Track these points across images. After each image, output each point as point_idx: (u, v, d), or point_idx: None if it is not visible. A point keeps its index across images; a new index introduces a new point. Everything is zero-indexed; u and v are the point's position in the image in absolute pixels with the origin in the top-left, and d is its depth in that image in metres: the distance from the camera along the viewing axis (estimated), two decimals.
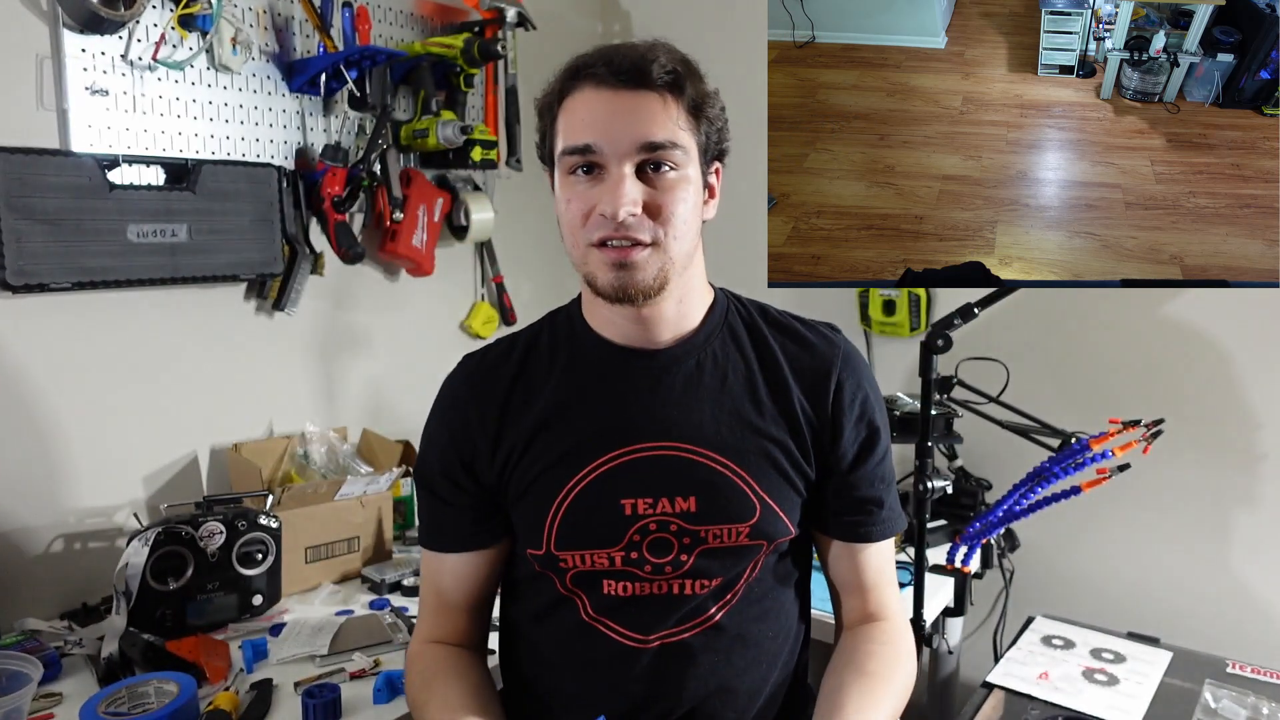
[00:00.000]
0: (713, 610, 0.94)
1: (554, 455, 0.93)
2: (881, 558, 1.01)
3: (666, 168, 0.86)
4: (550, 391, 0.95)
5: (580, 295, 0.99)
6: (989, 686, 1.32)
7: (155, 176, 1.50)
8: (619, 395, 0.94)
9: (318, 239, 1.73)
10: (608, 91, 0.85)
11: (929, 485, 1.59)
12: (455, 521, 0.98)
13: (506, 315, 2.13)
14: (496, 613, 1.07)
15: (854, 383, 0.97)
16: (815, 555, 1.05)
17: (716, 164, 0.93)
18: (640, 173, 0.85)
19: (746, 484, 0.92)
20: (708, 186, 0.92)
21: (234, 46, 1.54)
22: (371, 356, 1.90)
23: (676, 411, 0.93)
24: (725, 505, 0.91)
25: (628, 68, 0.84)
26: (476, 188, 2.01)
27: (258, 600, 1.40)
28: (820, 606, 1.05)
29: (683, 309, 0.94)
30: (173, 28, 1.46)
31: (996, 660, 1.41)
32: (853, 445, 0.97)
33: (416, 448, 1.75)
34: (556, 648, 0.97)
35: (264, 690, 1.17)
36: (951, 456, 1.74)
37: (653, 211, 0.85)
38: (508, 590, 1.04)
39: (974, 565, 1.56)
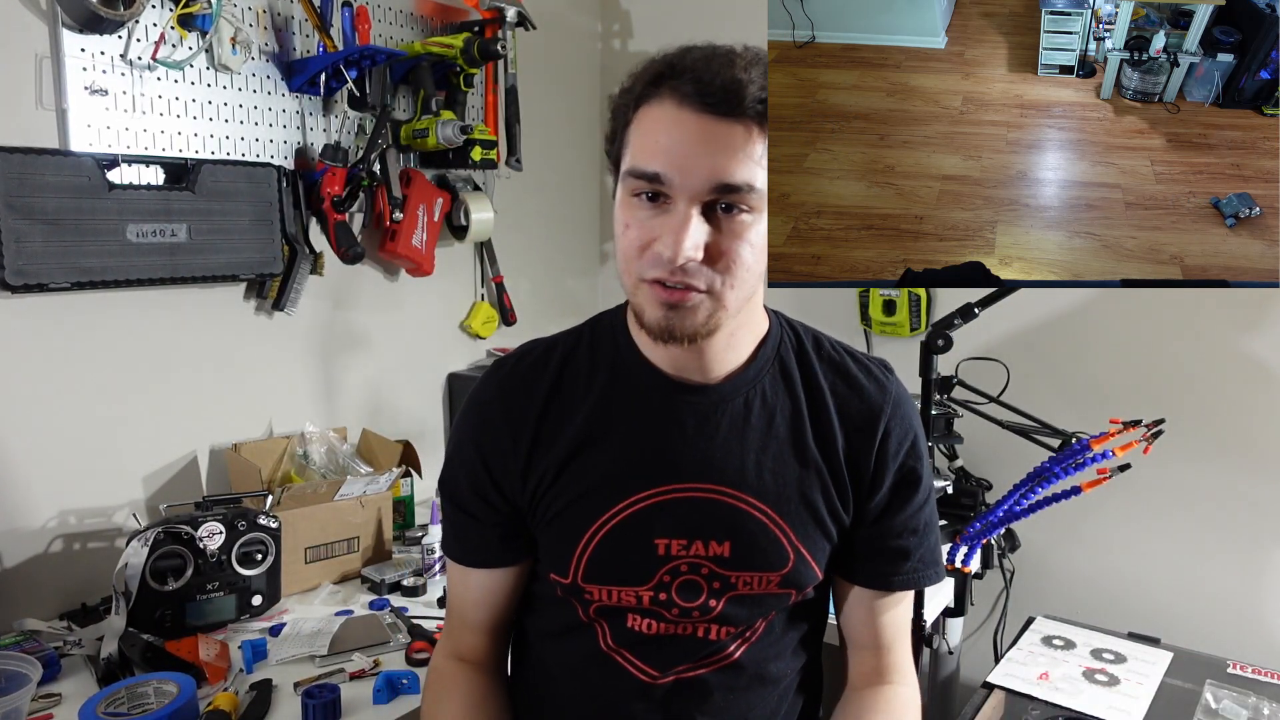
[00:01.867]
0: (732, 649, 0.91)
1: (588, 484, 0.89)
2: (899, 614, 0.95)
3: (739, 210, 0.77)
4: (586, 414, 0.90)
5: (626, 305, 0.91)
6: (989, 687, 1.32)
7: (155, 176, 1.50)
8: (661, 430, 0.88)
9: (317, 239, 1.73)
10: (690, 115, 0.75)
11: None
12: (481, 538, 0.94)
13: (506, 315, 2.13)
14: None
15: (901, 430, 0.92)
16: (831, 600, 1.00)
17: None
18: (709, 210, 0.77)
19: (783, 532, 0.88)
20: None
21: (234, 46, 1.54)
22: (371, 356, 1.90)
23: (720, 453, 0.88)
24: (760, 553, 0.88)
25: (718, 89, 0.74)
26: (476, 187, 2.01)
27: (257, 600, 1.40)
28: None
29: (733, 342, 0.88)
30: (172, 27, 1.46)
31: (997, 660, 1.41)
32: (890, 494, 0.92)
33: (416, 448, 1.76)
34: (568, 671, 0.95)
35: (263, 691, 1.17)
36: (951, 456, 1.74)
37: (714, 257, 0.77)
38: (524, 601, 1.01)
39: (974, 565, 1.56)
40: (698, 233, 0.76)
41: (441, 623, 1.08)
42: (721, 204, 0.77)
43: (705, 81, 0.75)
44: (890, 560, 0.93)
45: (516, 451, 0.91)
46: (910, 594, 0.96)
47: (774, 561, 0.88)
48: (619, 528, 0.88)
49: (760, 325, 0.92)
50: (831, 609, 0.99)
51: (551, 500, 0.90)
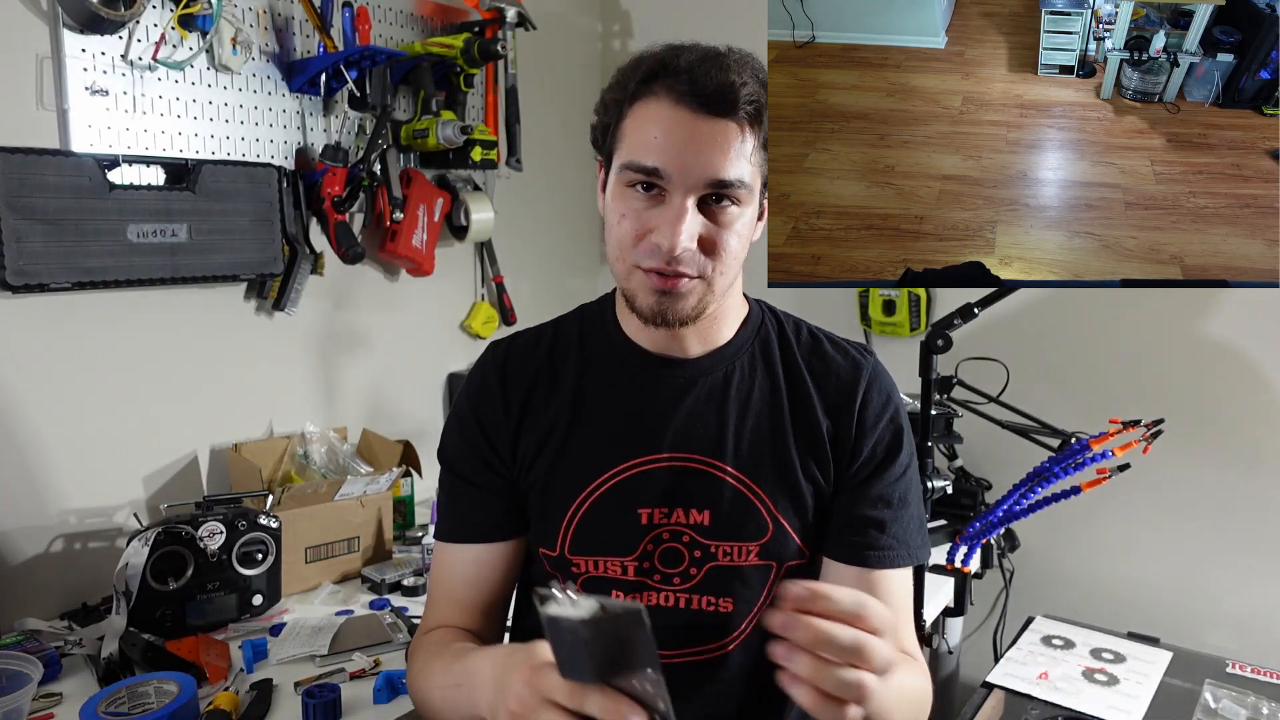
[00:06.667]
0: (724, 640, 0.92)
1: (573, 455, 0.92)
2: (891, 594, 0.90)
3: (729, 203, 0.82)
4: (573, 387, 0.94)
5: (615, 293, 0.96)
6: (989, 686, 1.32)
7: (155, 176, 1.50)
8: (643, 402, 0.92)
9: (318, 239, 1.73)
10: (686, 114, 0.80)
11: (929, 485, 1.59)
12: (479, 507, 0.95)
13: (506, 315, 2.13)
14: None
15: (880, 401, 0.93)
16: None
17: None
18: (702, 203, 0.82)
19: (762, 502, 0.90)
20: (761, 209, 0.89)
21: (234, 46, 1.54)
22: (371, 356, 1.90)
23: (699, 424, 0.91)
24: (738, 522, 0.90)
25: (712, 91, 0.79)
26: (476, 188, 2.01)
27: (258, 600, 1.40)
28: None
29: (715, 323, 0.92)
30: (173, 28, 1.46)
31: (996, 660, 1.41)
32: (869, 464, 0.92)
33: (416, 448, 1.76)
34: None
35: (264, 690, 1.17)
36: (951, 456, 1.74)
37: (707, 247, 0.83)
38: (522, 595, 1.01)
39: (974, 565, 1.56)
40: (693, 225, 0.81)
41: None
42: (713, 197, 0.82)
43: (700, 83, 0.80)
44: (861, 530, 0.91)
45: (508, 419, 0.95)
46: (898, 576, 0.92)
47: (752, 531, 0.90)
48: (604, 498, 0.91)
49: (741, 309, 0.96)
50: None
51: (540, 471, 0.93)
